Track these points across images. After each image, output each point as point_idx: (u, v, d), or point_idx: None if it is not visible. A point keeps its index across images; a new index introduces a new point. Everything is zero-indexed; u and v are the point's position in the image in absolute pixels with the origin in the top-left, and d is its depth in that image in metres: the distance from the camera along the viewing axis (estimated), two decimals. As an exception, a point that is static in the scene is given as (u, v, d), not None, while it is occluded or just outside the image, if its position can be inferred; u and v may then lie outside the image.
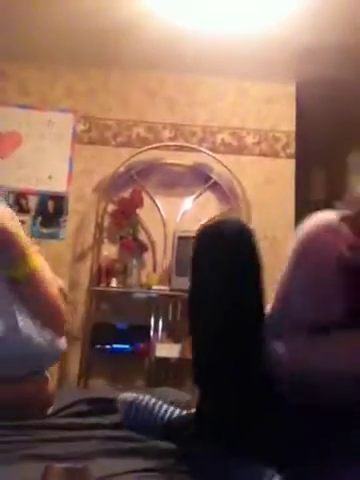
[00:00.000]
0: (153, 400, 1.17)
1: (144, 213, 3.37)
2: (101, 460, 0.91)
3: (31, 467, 0.80)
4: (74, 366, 3.11)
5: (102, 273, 3.18)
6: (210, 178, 3.46)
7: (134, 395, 1.19)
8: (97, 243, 3.31)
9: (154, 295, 3.19)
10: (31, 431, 1.04)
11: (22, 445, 0.94)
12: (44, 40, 3.26)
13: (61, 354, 3.14)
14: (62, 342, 1.29)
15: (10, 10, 2.99)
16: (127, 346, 3.06)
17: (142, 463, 0.93)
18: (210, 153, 3.44)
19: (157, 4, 2.84)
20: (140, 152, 3.41)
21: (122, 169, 3.40)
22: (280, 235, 3.44)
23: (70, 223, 3.42)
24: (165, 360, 3.05)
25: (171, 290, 3.09)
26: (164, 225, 3.39)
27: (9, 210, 1.29)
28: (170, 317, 3.22)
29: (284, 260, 3.46)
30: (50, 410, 1.28)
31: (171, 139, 3.55)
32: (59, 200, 3.45)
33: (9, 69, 3.56)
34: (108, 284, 3.15)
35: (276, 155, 3.58)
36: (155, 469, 0.90)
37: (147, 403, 1.16)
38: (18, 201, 3.43)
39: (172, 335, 3.17)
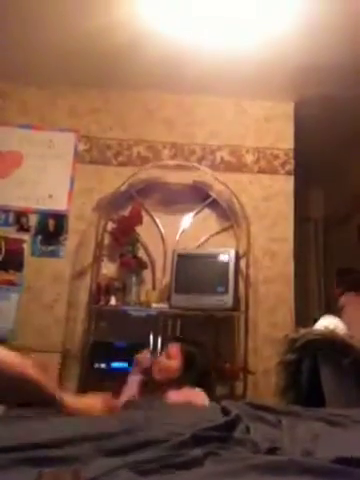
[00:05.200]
0: None
1: (143, 231, 3.38)
2: (95, 460, 0.91)
3: (24, 472, 0.79)
4: (72, 385, 3.08)
5: (101, 291, 3.16)
6: (209, 196, 3.48)
7: None
8: (97, 261, 3.31)
9: (153, 313, 3.17)
10: (24, 435, 1.03)
11: (15, 449, 0.93)
12: (45, 60, 3.32)
13: (59, 372, 3.10)
14: None
15: (11, 31, 3.05)
16: (126, 364, 3.03)
17: (135, 458, 0.92)
18: (209, 171, 3.46)
19: (156, 25, 2.89)
20: (140, 171, 3.44)
21: (122, 188, 3.43)
22: (279, 252, 3.45)
23: (70, 241, 3.43)
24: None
25: (170, 308, 3.07)
26: (163, 243, 3.40)
27: None
28: (169, 335, 3.20)
29: (283, 276, 3.47)
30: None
31: (171, 158, 3.57)
32: (59, 218, 3.47)
33: (10, 89, 3.61)
34: (107, 302, 3.14)
35: (275, 172, 3.60)
36: (148, 464, 0.90)
37: None
38: (19, 220, 3.44)
39: (171, 353, 3.15)
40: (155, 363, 2.24)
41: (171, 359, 2.22)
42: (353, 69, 3.22)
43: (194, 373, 2.15)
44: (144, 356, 2.34)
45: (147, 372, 2.23)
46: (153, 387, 2.16)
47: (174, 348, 2.27)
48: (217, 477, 0.87)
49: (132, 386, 2.23)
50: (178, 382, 2.11)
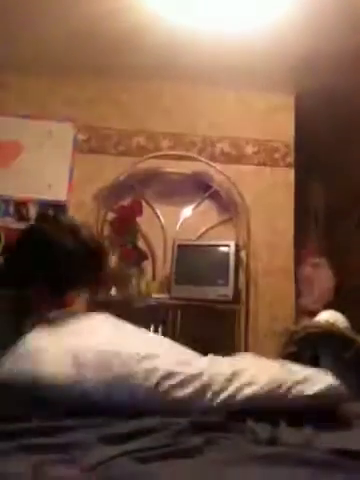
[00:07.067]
0: None
1: (144, 222, 3.37)
2: (94, 448, 0.91)
3: (24, 459, 0.79)
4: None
5: (101, 281, 3.16)
6: (210, 187, 3.47)
7: None
8: (96, 252, 3.30)
9: (154, 303, 3.17)
10: (26, 421, 1.03)
11: (16, 435, 0.93)
12: (44, 50, 3.29)
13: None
14: None
15: (9, 20, 3.02)
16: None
17: (134, 446, 0.92)
18: (210, 162, 3.45)
19: (157, 15, 2.87)
20: (140, 161, 3.43)
21: (122, 178, 3.42)
22: (280, 244, 3.44)
23: (70, 232, 3.42)
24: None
25: (171, 298, 3.08)
26: (164, 233, 3.40)
27: None
28: (170, 326, 3.21)
29: (283, 269, 3.45)
30: None
31: (171, 148, 3.56)
32: (59, 209, 3.46)
33: (9, 79, 3.57)
34: (107, 293, 3.14)
35: (275, 165, 3.59)
36: (148, 452, 0.90)
37: None
38: (18, 210, 3.44)
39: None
40: None
41: None
42: (354, 61, 3.21)
43: None
44: None
45: None
46: None
47: None
48: (217, 466, 0.87)
49: None
50: None
